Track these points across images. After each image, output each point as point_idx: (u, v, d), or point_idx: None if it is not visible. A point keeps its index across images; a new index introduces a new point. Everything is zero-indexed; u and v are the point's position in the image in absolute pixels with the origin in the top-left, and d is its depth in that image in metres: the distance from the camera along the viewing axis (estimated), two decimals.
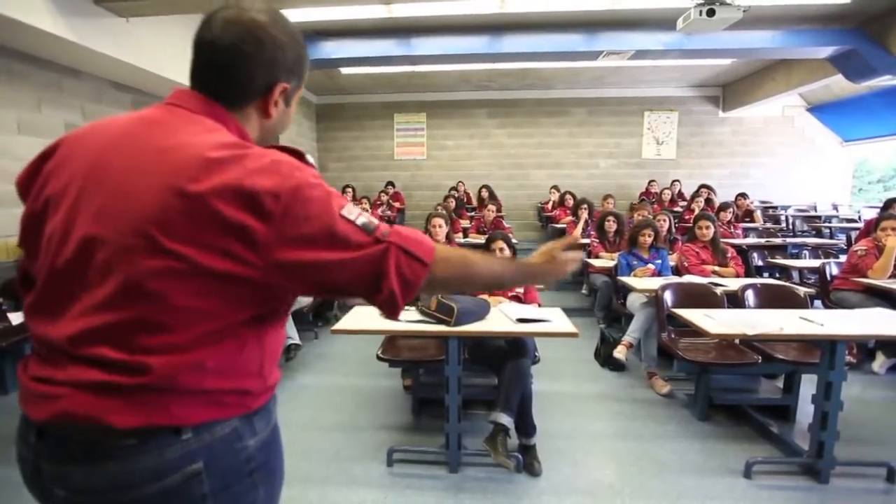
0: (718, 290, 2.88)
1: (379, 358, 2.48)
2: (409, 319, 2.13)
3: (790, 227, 6.81)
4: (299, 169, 0.66)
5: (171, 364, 0.63)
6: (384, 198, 7.59)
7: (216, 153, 0.64)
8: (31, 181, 0.73)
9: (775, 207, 7.57)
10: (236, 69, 0.71)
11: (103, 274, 0.63)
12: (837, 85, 6.58)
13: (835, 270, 3.62)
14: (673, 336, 2.77)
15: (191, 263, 0.61)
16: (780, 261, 4.38)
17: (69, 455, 0.65)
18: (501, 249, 2.73)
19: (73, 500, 0.66)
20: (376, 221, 0.68)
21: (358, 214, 0.67)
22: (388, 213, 7.28)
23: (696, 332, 2.14)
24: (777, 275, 4.51)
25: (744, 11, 3.62)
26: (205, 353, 0.65)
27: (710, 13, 3.60)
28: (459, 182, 8.04)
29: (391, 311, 0.71)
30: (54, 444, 0.66)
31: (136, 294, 0.62)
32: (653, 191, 7.66)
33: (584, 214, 5.45)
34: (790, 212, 7.30)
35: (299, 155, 0.70)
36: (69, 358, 0.64)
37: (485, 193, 7.07)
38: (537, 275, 0.93)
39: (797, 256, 4.77)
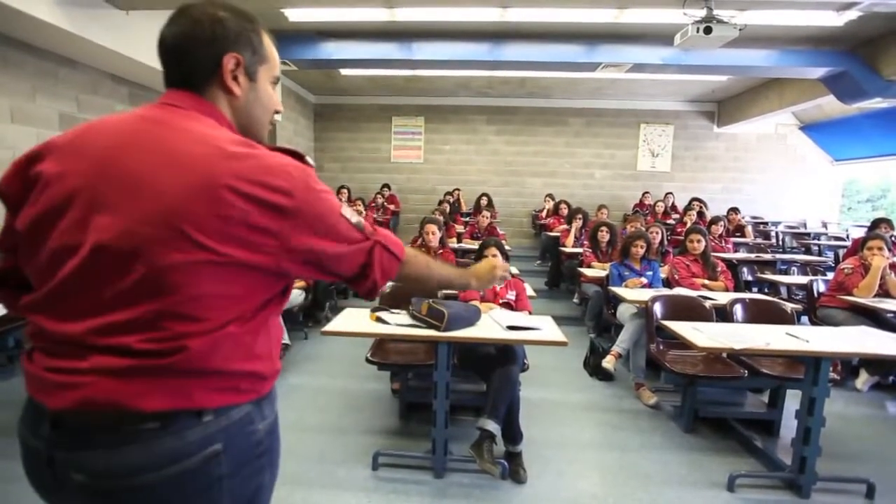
0: (707, 304, 2.91)
1: (368, 361, 2.47)
2: (399, 323, 2.13)
3: (780, 243, 6.90)
4: (305, 171, 0.72)
5: (203, 345, 0.67)
6: (379, 200, 7.59)
7: (234, 149, 0.68)
8: (19, 185, 0.72)
9: (766, 223, 7.66)
10: (184, 56, 0.74)
11: (124, 270, 0.64)
12: (829, 105, 6.70)
13: (822, 287, 3.67)
14: (661, 348, 2.79)
15: (212, 253, 0.65)
16: (768, 276, 4.43)
17: (89, 441, 0.66)
18: (494, 255, 2.74)
19: (93, 485, 0.67)
20: (364, 221, 0.79)
21: (352, 214, 0.77)
22: (384, 216, 7.28)
23: (685, 344, 2.16)
24: (765, 290, 4.57)
25: (740, 30, 3.68)
26: (227, 336, 0.69)
27: (707, 30, 3.65)
28: (456, 189, 8.06)
29: (370, 294, 0.83)
30: (72, 432, 0.67)
31: (159, 286, 0.64)
32: (646, 202, 7.72)
33: (578, 223, 5.49)
34: (780, 228, 7.39)
35: (300, 157, 0.74)
36: (89, 349, 0.66)
37: (484, 201, 7.11)
38: (478, 281, 1.13)
39: (786, 272, 4.82)
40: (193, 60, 0.74)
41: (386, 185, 8.24)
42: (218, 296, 0.67)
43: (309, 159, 0.75)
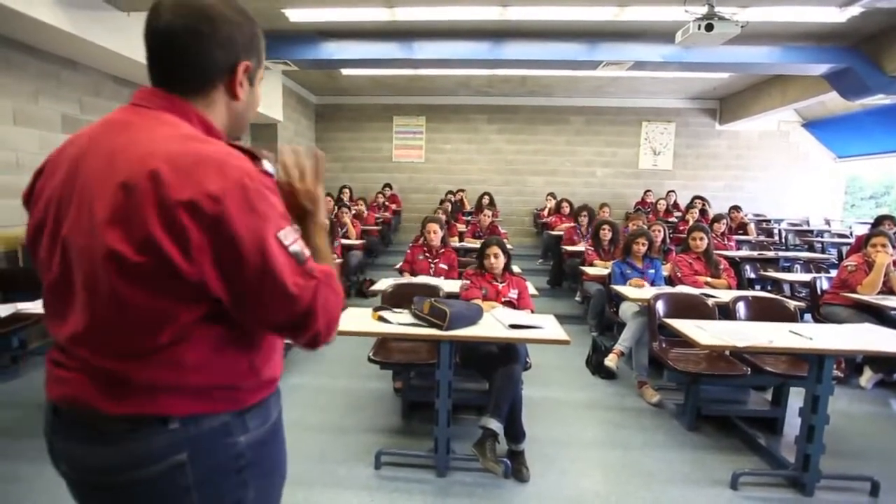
0: (710, 302, 2.90)
1: (370, 360, 2.47)
2: (402, 322, 2.13)
3: (783, 240, 6.87)
4: (248, 176, 0.63)
5: (148, 367, 0.66)
6: (381, 199, 7.60)
7: (162, 148, 0.62)
8: (29, 197, 0.76)
9: (768, 221, 7.64)
10: (195, 52, 0.69)
11: (77, 279, 0.66)
12: (832, 102, 6.67)
13: (825, 285, 3.65)
14: (664, 346, 2.78)
15: (129, 261, 0.60)
16: (771, 274, 4.42)
17: (72, 434, 0.69)
18: (496, 255, 2.74)
19: (72, 477, 0.71)
20: (307, 252, 0.67)
21: (293, 241, 0.65)
22: (385, 214, 7.29)
23: (687, 342, 2.15)
24: (768, 288, 4.55)
25: (741, 27, 3.66)
26: (178, 351, 0.66)
27: (709, 28, 3.64)
28: (459, 190, 8.06)
29: (310, 347, 0.72)
30: (63, 423, 0.70)
31: (97, 296, 0.64)
32: (648, 200, 7.71)
33: (585, 221, 5.49)
34: (783, 225, 7.36)
35: (256, 158, 0.68)
36: (71, 353, 0.69)
37: (485, 200, 7.12)
38: (318, 222, 0.82)
39: (789, 270, 4.80)
40: (201, 60, 0.70)
41: (387, 185, 8.24)
42: (149, 309, 0.63)
43: (267, 165, 0.68)
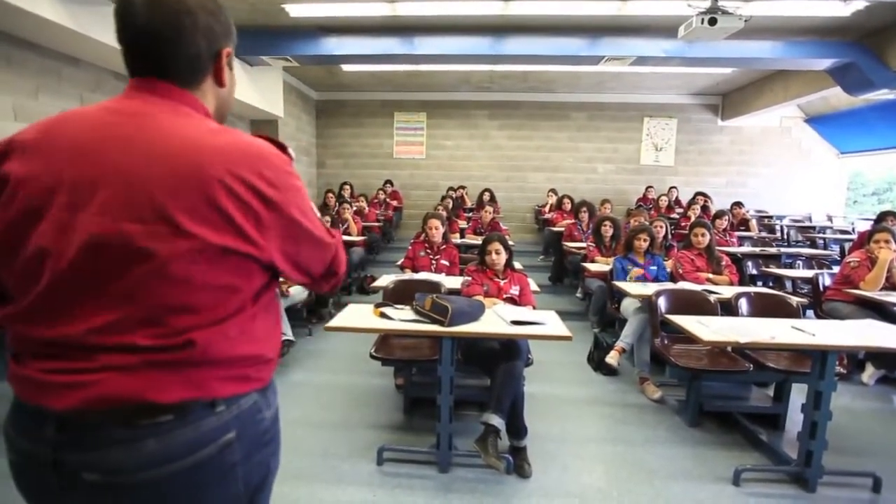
0: (712, 298, 2.90)
1: (372, 356, 2.48)
2: (403, 318, 2.13)
3: (785, 236, 6.85)
4: (287, 163, 0.73)
5: (209, 336, 0.67)
6: (382, 196, 7.58)
7: (220, 135, 0.69)
8: None
9: (770, 217, 7.61)
10: (183, 44, 0.71)
11: (121, 266, 0.63)
12: (835, 97, 6.63)
13: (827, 281, 3.64)
14: (666, 342, 2.78)
15: (206, 243, 0.64)
16: (773, 270, 4.41)
17: (103, 439, 0.64)
18: (498, 251, 2.73)
19: (108, 482, 0.65)
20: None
21: (317, 211, 0.80)
22: (386, 210, 7.28)
23: (689, 338, 2.15)
24: (770, 284, 4.54)
25: (745, 21, 3.64)
26: (230, 324, 0.70)
27: (712, 22, 3.61)
28: (460, 186, 8.03)
29: (332, 290, 0.91)
30: (83, 431, 0.65)
31: (155, 281, 0.63)
32: (650, 197, 7.69)
33: (585, 217, 5.47)
34: (785, 222, 7.34)
35: (282, 147, 0.75)
36: (93, 348, 0.64)
37: (486, 196, 7.13)
38: None
39: (791, 266, 4.79)
40: (191, 51, 0.72)
41: (388, 181, 8.23)
42: (215, 287, 0.67)
43: (290, 151, 0.76)
